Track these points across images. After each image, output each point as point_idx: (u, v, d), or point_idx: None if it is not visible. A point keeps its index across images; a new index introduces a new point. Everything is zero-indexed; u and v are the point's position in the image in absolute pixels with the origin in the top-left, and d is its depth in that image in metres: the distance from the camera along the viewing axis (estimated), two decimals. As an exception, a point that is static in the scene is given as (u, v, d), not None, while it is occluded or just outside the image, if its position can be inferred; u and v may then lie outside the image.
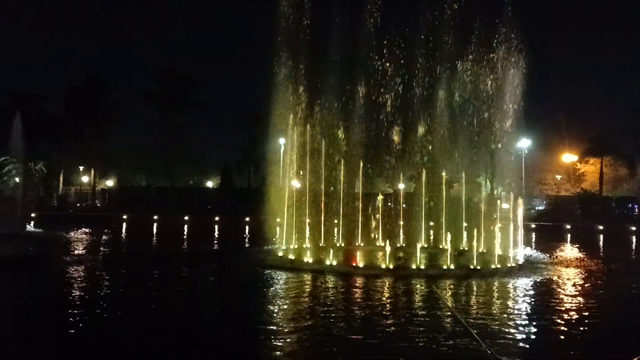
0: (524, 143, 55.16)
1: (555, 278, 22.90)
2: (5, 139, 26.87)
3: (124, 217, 52.43)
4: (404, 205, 34.76)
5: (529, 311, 16.81)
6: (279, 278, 22.17)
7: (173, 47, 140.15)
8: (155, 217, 54.91)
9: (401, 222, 33.25)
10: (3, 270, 22.58)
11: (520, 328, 14.56)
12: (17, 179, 28.77)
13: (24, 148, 28.02)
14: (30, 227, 37.56)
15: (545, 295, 19.32)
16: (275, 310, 16.64)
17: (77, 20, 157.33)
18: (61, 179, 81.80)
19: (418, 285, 20.81)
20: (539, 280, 22.37)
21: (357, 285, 21.05)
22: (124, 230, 43.83)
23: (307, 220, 31.26)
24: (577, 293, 20.09)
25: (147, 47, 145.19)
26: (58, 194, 77.64)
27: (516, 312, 16.72)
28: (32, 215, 41.98)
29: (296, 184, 32.94)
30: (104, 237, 35.23)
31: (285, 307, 17.22)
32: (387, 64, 30.20)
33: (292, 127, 30.95)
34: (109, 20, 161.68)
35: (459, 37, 32.51)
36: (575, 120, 78.53)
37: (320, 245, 31.04)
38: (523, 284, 21.42)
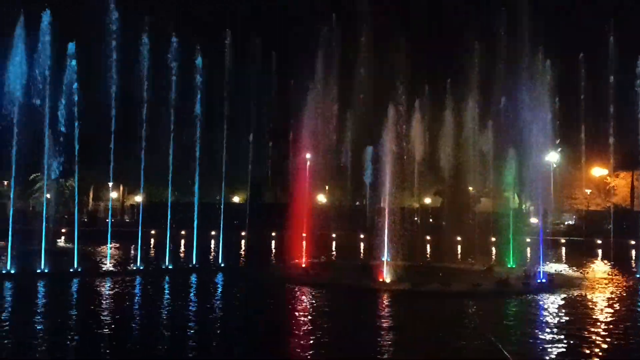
0: (553, 157, 54.39)
1: (588, 295, 22.39)
2: (38, 156, 27.51)
3: (152, 232, 52.90)
4: (431, 220, 34.53)
5: (561, 329, 16.49)
6: (304, 294, 22.17)
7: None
8: (183, 233, 55.34)
9: (428, 237, 33.01)
10: (36, 284, 23.11)
11: (551, 347, 14.33)
12: (48, 196, 29.35)
13: (55, 165, 28.60)
14: (61, 242, 38.28)
15: (577, 314, 18.88)
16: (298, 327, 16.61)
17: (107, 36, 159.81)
18: (91, 194, 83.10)
19: (445, 303, 20.55)
20: (571, 297, 21.90)
21: (380, 301, 20.94)
22: (151, 245, 44.27)
23: (334, 235, 31.28)
24: (612, 311, 19.65)
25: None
26: (88, 209, 78.83)
27: (548, 330, 16.40)
28: (63, 230, 42.70)
29: (322, 199, 33.01)
30: (131, 252, 35.65)
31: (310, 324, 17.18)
32: (414, 80, 30.24)
33: (319, 143, 31.12)
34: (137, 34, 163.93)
35: (485, 50, 32.45)
36: (606, 133, 77.16)
37: (345, 260, 31.05)
38: (554, 301, 21.02)
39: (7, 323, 16.45)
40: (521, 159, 30.56)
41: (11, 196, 27.95)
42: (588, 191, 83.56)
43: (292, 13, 58.39)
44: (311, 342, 14.58)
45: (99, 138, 31.08)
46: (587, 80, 55.18)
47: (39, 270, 25.30)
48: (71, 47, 27.93)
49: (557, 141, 33.08)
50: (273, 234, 51.74)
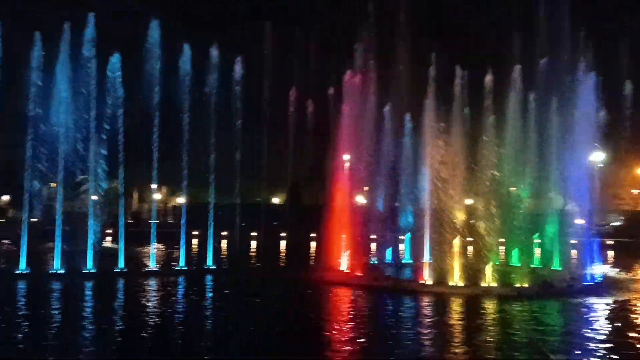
0: (598, 156, 52.99)
1: (636, 299, 21.75)
2: (84, 159, 28.34)
3: (195, 233, 53.60)
4: (472, 221, 34.01)
5: (607, 333, 16.08)
6: (344, 295, 22.21)
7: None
8: (224, 233, 55.95)
9: (470, 239, 32.53)
10: (83, 283, 23.83)
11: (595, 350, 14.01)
12: (94, 197, 30.12)
13: (101, 168, 29.36)
14: (107, 242, 39.14)
15: (627, 318, 18.35)
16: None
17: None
18: (136, 196, 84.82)
19: (488, 305, 20.27)
20: (619, 300, 21.31)
21: (424, 304, 20.79)
22: (194, 245, 44.90)
23: (374, 236, 31.21)
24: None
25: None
26: (132, 211, 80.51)
27: (596, 336, 15.99)
28: (108, 231, 43.64)
29: (361, 199, 32.93)
30: (174, 252, 36.22)
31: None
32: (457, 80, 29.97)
33: (359, 143, 31.07)
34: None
35: (528, 48, 31.92)
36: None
37: (386, 262, 30.94)
38: (602, 304, 20.49)
39: (58, 321, 17.02)
40: (566, 159, 29.89)
41: (59, 198, 28.70)
42: (635, 191, 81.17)
43: (331, 7, 58.51)
44: (351, 343, 14.61)
45: (142, 140, 31.85)
46: (631, 75, 53.76)
47: (85, 270, 26.01)
48: (116, 55, 28.76)
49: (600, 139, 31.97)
50: (312, 235, 51.80)
